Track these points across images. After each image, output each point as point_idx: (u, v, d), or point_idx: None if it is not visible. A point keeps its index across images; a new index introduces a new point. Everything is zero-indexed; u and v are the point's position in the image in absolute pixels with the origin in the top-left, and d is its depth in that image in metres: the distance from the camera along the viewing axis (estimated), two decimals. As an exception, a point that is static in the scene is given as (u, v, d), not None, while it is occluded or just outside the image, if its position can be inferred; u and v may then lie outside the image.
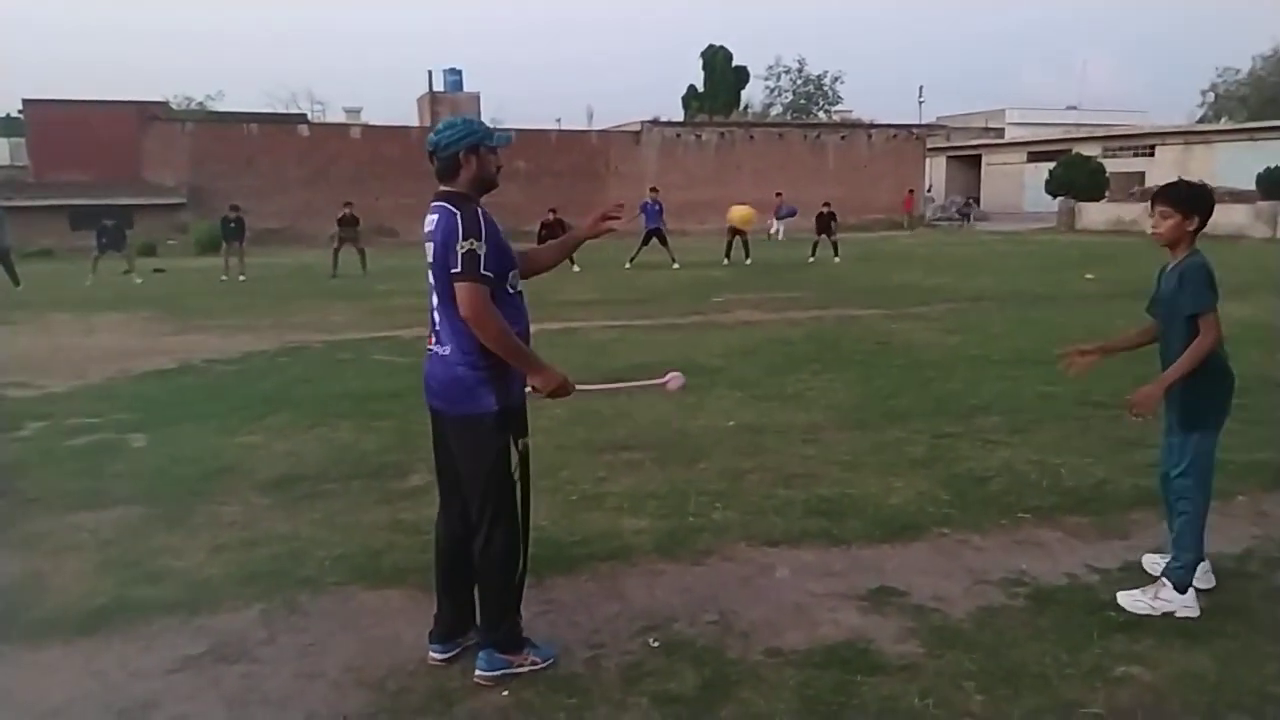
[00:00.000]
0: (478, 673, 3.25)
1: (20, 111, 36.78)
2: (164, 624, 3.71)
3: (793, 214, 30.88)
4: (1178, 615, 3.64)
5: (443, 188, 3.22)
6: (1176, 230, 3.68)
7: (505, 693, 3.15)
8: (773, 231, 31.61)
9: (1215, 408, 3.76)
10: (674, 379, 3.88)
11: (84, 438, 6.64)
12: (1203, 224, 3.72)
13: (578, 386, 3.42)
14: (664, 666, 3.31)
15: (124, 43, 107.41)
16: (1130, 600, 3.75)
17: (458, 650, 3.41)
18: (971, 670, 3.25)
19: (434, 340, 3.26)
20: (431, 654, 3.41)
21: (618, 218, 3.66)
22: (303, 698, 3.16)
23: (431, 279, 3.19)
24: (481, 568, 3.29)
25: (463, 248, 3.04)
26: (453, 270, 3.05)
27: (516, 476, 3.26)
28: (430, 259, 3.17)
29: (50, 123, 33.31)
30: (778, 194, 32.60)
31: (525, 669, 3.28)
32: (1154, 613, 3.65)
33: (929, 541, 4.52)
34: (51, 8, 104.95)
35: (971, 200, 47.05)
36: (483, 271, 3.05)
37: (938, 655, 3.37)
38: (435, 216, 3.15)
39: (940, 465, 5.69)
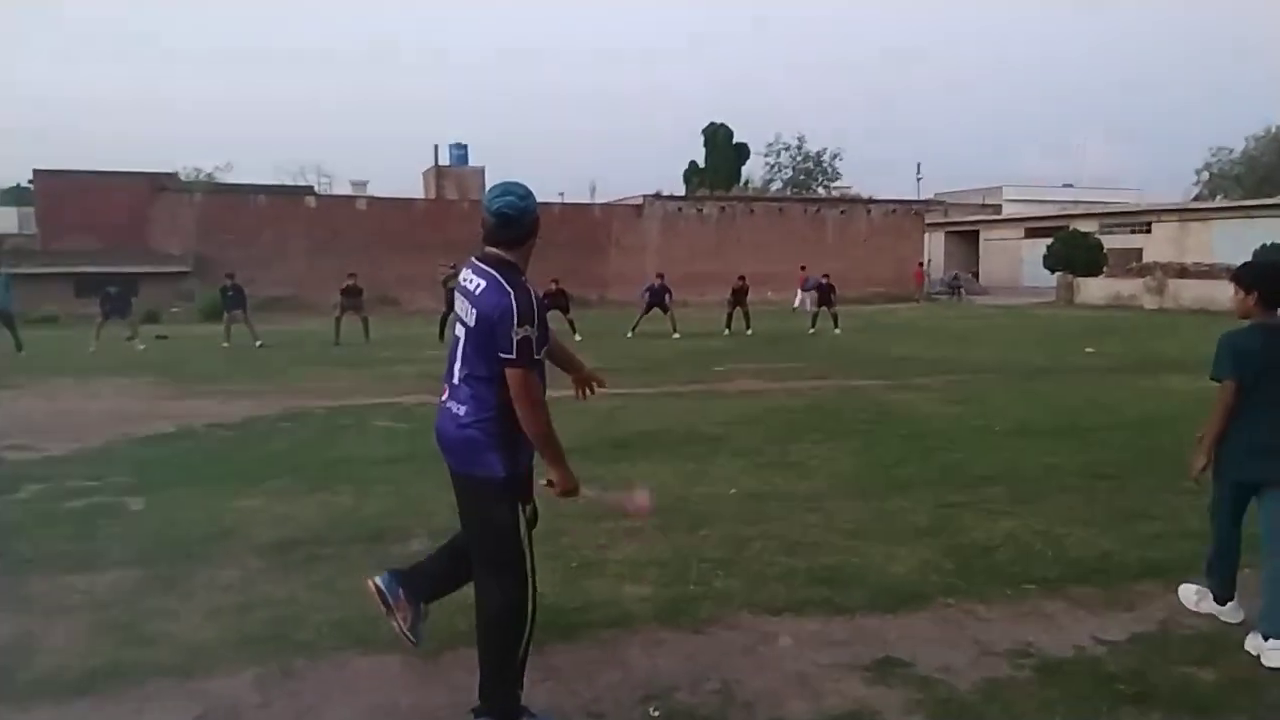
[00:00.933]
0: None
1: (30, 181, 37.35)
2: (157, 686, 3.64)
3: (818, 286, 31.73)
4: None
5: (494, 251, 3.18)
6: (1239, 304, 4.27)
7: (504, 762, 3.09)
8: (798, 304, 32.23)
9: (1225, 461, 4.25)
10: (643, 499, 4.05)
11: (82, 500, 6.60)
12: (1264, 296, 4.17)
13: (582, 494, 3.49)
14: (665, 736, 3.25)
15: (136, 114, 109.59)
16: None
17: (392, 596, 3.61)
18: (979, 742, 3.19)
19: (447, 395, 3.26)
20: (376, 578, 3.65)
21: (600, 387, 3.96)
22: (297, 764, 3.09)
23: (462, 338, 3.19)
24: (484, 630, 3.24)
25: (518, 334, 3.04)
26: (505, 355, 3.05)
27: (526, 543, 3.25)
28: (470, 322, 3.14)
29: (59, 193, 33.86)
30: (802, 267, 33.31)
31: None
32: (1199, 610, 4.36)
33: (933, 611, 4.46)
34: (66, 82, 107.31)
35: (959, 275, 47.56)
36: (535, 357, 3.09)
37: (944, 727, 3.30)
38: (483, 283, 3.12)
39: (944, 535, 5.64)
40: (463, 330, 3.20)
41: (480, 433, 3.14)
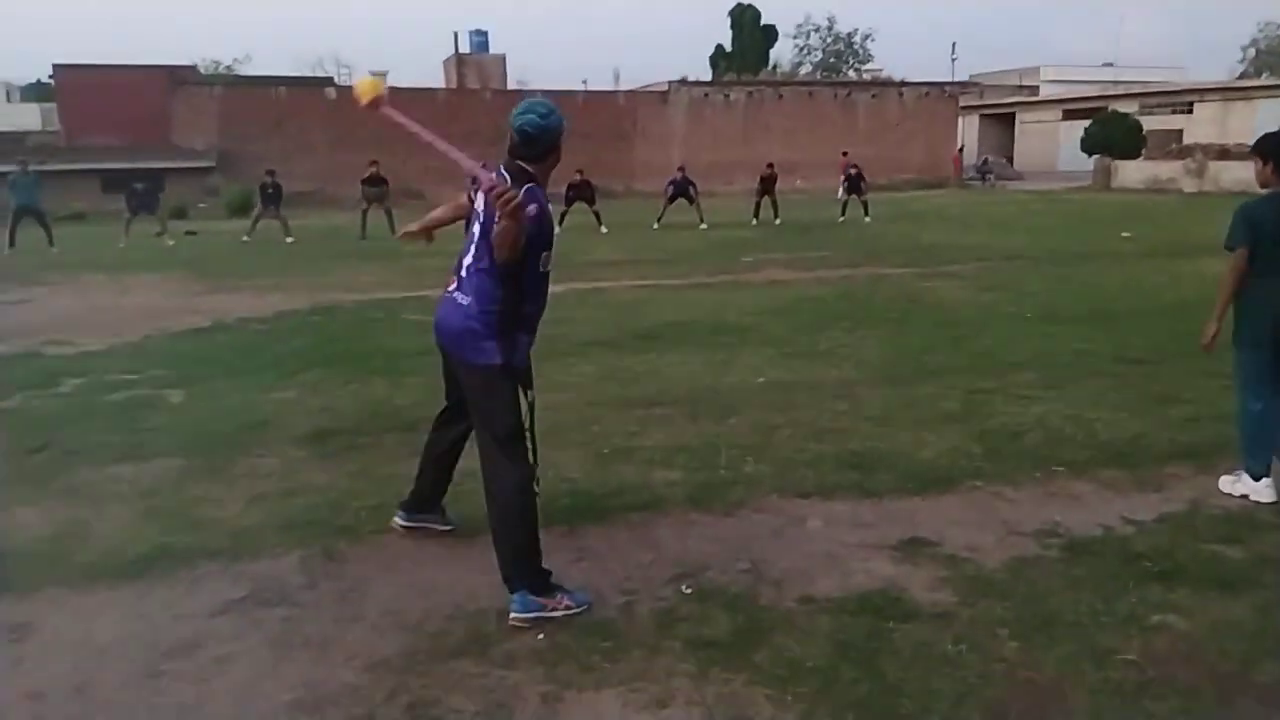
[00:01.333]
0: (513, 615, 3.30)
1: (50, 76, 37.06)
2: (206, 569, 3.78)
3: (847, 173, 32.20)
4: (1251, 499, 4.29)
5: (521, 164, 3.33)
6: (1259, 174, 4.36)
7: (540, 636, 3.19)
8: (842, 193, 31.95)
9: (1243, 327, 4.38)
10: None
11: (122, 393, 6.74)
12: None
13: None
14: (697, 612, 3.34)
15: (150, 5, 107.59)
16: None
17: (416, 525, 4.03)
18: (1005, 618, 3.26)
19: (452, 285, 3.46)
20: (396, 520, 4.05)
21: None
22: (343, 639, 3.22)
23: (476, 234, 3.37)
24: (500, 512, 3.39)
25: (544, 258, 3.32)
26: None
27: (527, 425, 3.40)
28: (485, 220, 3.31)
29: (80, 87, 33.52)
30: (844, 153, 32.70)
31: (559, 613, 3.33)
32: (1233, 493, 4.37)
33: (961, 494, 4.51)
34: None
35: (989, 160, 46.38)
36: (541, 270, 3.34)
37: (971, 603, 3.37)
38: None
39: (973, 420, 5.66)
40: (477, 228, 3.38)
41: (480, 324, 3.31)
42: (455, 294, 3.42)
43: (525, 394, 3.40)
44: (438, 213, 3.99)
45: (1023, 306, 9.75)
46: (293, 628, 3.31)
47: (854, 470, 4.79)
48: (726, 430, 5.56)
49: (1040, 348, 7.69)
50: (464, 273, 3.40)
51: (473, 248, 3.38)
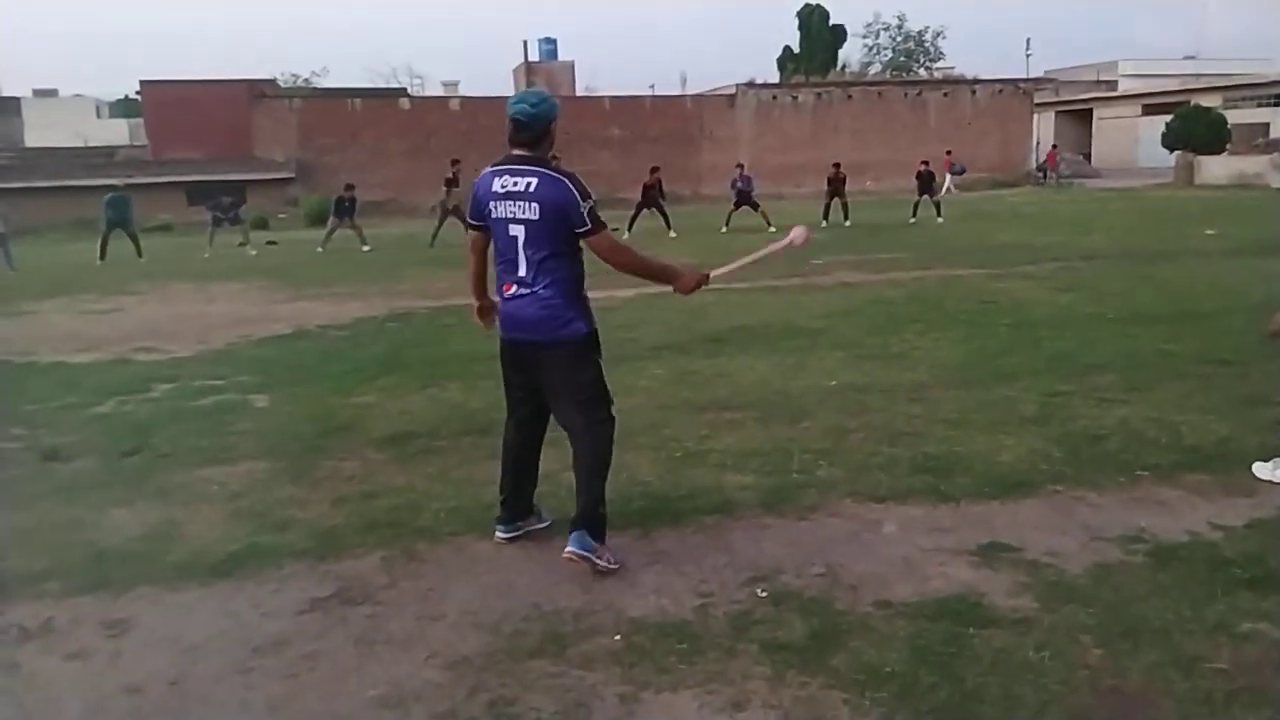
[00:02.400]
0: (569, 549, 3.64)
1: (137, 93, 38.44)
2: (292, 569, 3.90)
3: (963, 171, 35.15)
4: None
5: (524, 152, 3.66)
6: None
7: (617, 636, 3.23)
8: (946, 189, 32.26)
9: None
10: (798, 233, 4.22)
11: (210, 398, 6.98)
12: None
13: (711, 275, 4.02)
14: (773, 616, 3.34)
15: (233, 23, 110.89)
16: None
17: (519, 532, 4.06)
18: (1089, 625, 3.19)
19: (515, 287, 3.71)
20: (498, 535, 4.05)
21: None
22: (424, 638, 3.29)
23: (521, 235, 3.63)
24: (590, 466, 3.74)
25: (586, 206, 3.60)
26: (582, 229, 3.62)
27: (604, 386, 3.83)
28: (531, 215, 3.60)
29: (165, 102, 34.80)
30: (948, 152, 33.33)
31: (603, 564, 3.67)
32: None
33: (1041, 498, 4.42)
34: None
35: (1063, 156, 45.22)
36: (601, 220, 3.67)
37: (1053, 610, 3.31)
38: (533, 180, 3.59)
39: (1053, 423, 5.55)
40: (520, 228, 3.63)
41: (563, 302, 3.66)
42: (521, 292, 3.69)
43: (600, 357, 3.80)
44: (473, 271, 4.10)
45: (1102, 307, 9.51)
46: (376, 626, 3.39)
47: (929, 474, 4.73)
48: (799, 434, 5.54)
49: (1121, 349, 7.50)
50: (522, 271, 3.67)
51: (522, 247, 3.63)
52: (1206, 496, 4.39)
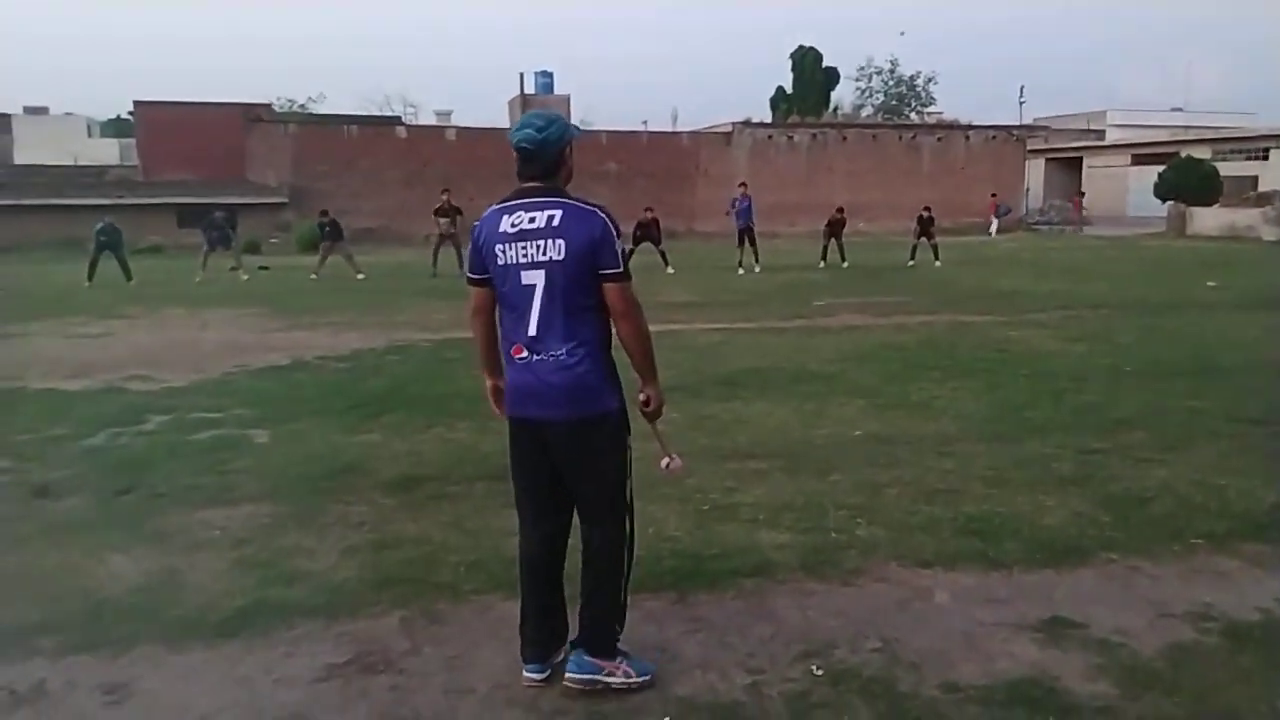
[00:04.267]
0: (568, 675, 3.12)
1: (130, 113, 38.23)
2: (304, 628, 3.62)
3: (1008, 213, 36.22)
4: None
5: (538, 184, 3.03)
6: None
7: (667, 718, 2.96)
8: (993, 230, 32.83)
9: None
10: (677, 464, 3.43)
11: (207, 432, 6.69)
12: None
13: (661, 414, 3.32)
14: (833, 698, 3.08)
15: (228, 47, 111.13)
16: None
17: (551, 671, 3.21)
18: (1177, 715, 2.96)
19: (529, 350, 3.02)
20: (528, 675, 3.18)
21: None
22: (455, 715, 3.02)
23: (541, 283, 2.96)
24: (601, 565, 3.15)
25: (620, 246, 3.02)
26: (610, 270, 2.99)
27: (629, 474, 3.20)
28: (556, 255, 2.94)
29: (158, 123, 34.54)
30: (993, 195, 34.24)
31: (617, 679, 3.10)
32: None
33: (1096, 567, 4.19)
34: (159, 17, 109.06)
35: (1053, 204, 45.61)
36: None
37: (1135, 697, 3.07)
38: (557, 213, 2.95)
39: (1092, 483, 5.33)
40: (537, 274, 2.96)
41: (594, 370, 3.02)
42: (540, 356, 3.00)
43: (630, 435, 3.19)
44: (482, 339, 3.29)
45: (1118, 358, 9.35)
46: (401, 699, 3.11)
47: (975, 537, 4.49)
48: (829, 487, 5.30)
49: (1147, 404, 7.32)
50: (535, 331, 2.99)
51: (539, 298, 2.96)
52: (1267, 569, 4.17)
